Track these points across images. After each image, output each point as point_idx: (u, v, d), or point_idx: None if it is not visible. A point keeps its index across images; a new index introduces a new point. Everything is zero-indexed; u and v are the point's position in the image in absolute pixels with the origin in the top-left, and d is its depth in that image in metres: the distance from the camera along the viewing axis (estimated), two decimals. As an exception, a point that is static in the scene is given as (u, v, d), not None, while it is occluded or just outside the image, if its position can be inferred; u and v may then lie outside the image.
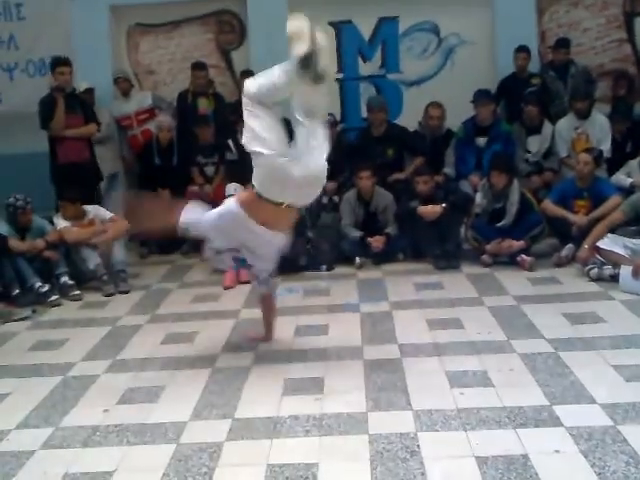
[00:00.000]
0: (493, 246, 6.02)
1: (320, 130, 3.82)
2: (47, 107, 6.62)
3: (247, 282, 5.67)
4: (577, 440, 3.08)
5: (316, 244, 6.35)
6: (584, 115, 6.93)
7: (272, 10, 7.88)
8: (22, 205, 5.93)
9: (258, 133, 3.71)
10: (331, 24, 8.14)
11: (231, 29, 8.36)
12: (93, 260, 6.05)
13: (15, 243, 5.84)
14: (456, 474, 2.92)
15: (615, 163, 6.80)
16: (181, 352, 4.51)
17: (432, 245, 6.19)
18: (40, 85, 7.65)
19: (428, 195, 6.26)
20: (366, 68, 8.27)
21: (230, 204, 4.02)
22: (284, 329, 4.68)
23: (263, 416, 3.51)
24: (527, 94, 7.27)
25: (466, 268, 6.03)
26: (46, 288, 5.76)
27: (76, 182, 6.44)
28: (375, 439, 3.21)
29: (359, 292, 5.56)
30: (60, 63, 6.66)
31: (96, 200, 6.84)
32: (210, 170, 7.41)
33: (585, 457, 2.94)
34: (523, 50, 7.46)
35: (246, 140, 3.77)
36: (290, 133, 3.85)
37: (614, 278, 5.24)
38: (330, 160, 3.88)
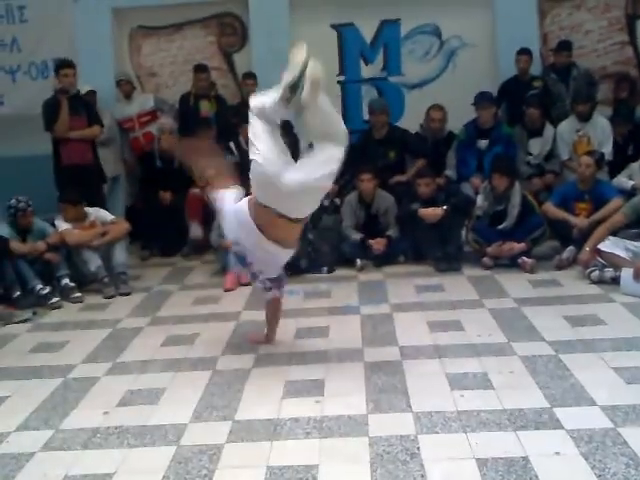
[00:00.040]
0: (494, 248, 6.02)
1: (329, 151, 3.82)
2: (51, 109, 6.64)
3: (248, 284, 5.69)
4: (577, 442, 3.07)
5: (317, 246, 6.34)
6: (586, 118, 6.93)
7: (274, 13, 7.93)
8: (23, 207, 5.94)
9: (253, 143, 3.88)
10: (333, 27, 8.17)
11: (233, 32, 8.37)
12: (94, 262, 6.05)
13: (16, 245, 5.85)
14: (456, 476, 2.92)
15: (616, 166, 6.80)
16: (182, 354, 4.51)
17: (433, 247, 6.19)
18: (42, 87, 7.68)
19: (429, 197, 6.26)
20: (368, 71, 8.28)
21: (243, 204, 4.10)
22: (285, 331, 4.68)
23: (263, 418, 3.51)
24: (529, 97, 7.27)
25: (467, 270, 6.02)
26: (47, 290, 5.77)
27: (80, 184, 6.45)
28: (375, 441, 3.21)
29: (360, 294, 5.56)
30: (64, 65, 6.68)
31: (100, 202, 6.85)
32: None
33: (585, 459, 2.94)
34: (525, 53, 7.45)
35: (249, 149, 3.95)
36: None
37: (615, 281, 5.23)
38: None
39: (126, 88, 7.88)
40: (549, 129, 7.11)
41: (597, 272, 5.37)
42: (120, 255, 6.19)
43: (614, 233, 5.53)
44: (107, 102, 7.77)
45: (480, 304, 5.13)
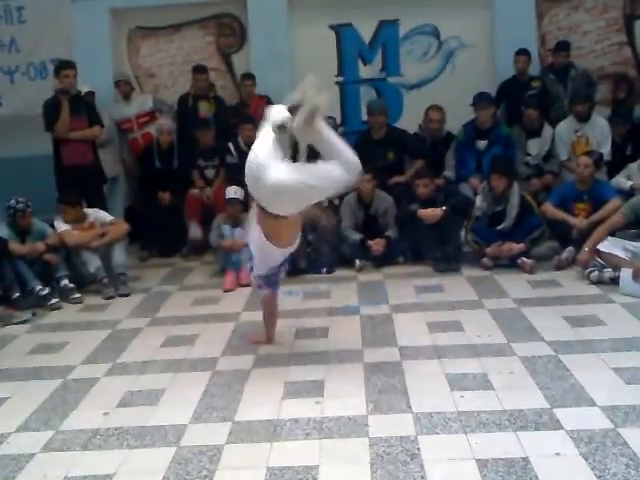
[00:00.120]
0: (493, 249, 6.02)
1: (331, 169, 3.83)
2: (52, 109, 6.63)
3: (247, 285, 5.68)
4: (577, 443, 3.07)
5: (316, 247, 6.35)
6: (584, 118, 6.94)
7: (272, 13, 7.93)
8: (22, 208, 5.93)
9: (254, 147, 3.99)
10: (331, 27, 8.17)
11: (231, 32, 8.36)
12: (93, 263, 6.05)
13: (15, 246, 5.85)
14: (456, 477, 2.92)
15: (615, 166, 6.81)
16: (181, 355, 4.51)
17: (432, 248, 6.19)
18: (41, 88, 7.68)
19: (428, 198, 6.27)
20: (366, 71, 8.28)
21: (253, 229, 4.22)
22: (284, 332, 4.68)
23: (263, 419, 3.51)
24: (527, 97, 7.28)
25: (466, 271, 6.03)
26: (46, 291, 5.77)
27: (80, 185, 6.45)
28: (375, 442, 3.21)
29: (359, 295, 5.56)
30: (65, 66, 6.68)
31: (101, 203, 6.85)
32: (210, 173, 7.42)
33: (585, 460, 2.94)
34: (523, 53, 7.47)
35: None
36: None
37: (614, 281, 5.24)
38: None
39: (125, 89, 7.88)
40: (548, 129, 7.12)
41: (596, 272, 5.38)
42: (119, 256, 6.19)
43: (613, 233, 5.54)
44: (105, 103, 7.75)
45: (479, 304, 5.13)
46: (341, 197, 6.70)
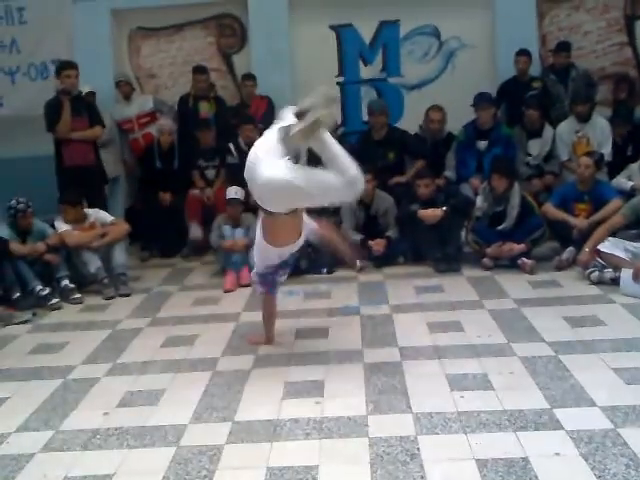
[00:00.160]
0: (494, 249, 6.02)
1: (331, 178, 3.80)
2: (53, 110, 6.64)
3: (247, 285, 5.69)
4: (577, 443, 3.07)
5: (317, 247, 6.33)
6: (585, 118, 6.94)
7: (273, 14, 7.93)
8: (23, 208, 5.94)
9: (255, 144, 4.04)
10: (332, 27, 8.17)
11: (232, 33, 8.37)
12: (94, 263, 6.05)
13: (16, 246, 5.85)
14: (456, 477, 2.92)
15: (616, 166, 6.81)
16: (181, 355, 4.51)
17: (433, 248, 6.19)
18: (42, 89, 7.69)
19: (429, 198, 6.27)
20: (367, 71, 8.27)
21: (257, 225, 4.30)
22: (284, 332, 4.69)
23: (263, 419, 3.51)
24: (528, 97, 7.27)
25: (467, 271, 6.03)
26: (47, 291, 5.77)
27: (82, 185, 6.46)
28: (375, 442, 3.21)
29: (359, 295, 5.56)
30: (66, 66, 6.69)
31: (102, 203, 6.85)
32: (211, 173, 7.42)
33: (585, 460, 2.94)
34: (524, 53, 7.46)
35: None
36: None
37: (615, 281, 5.23)
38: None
39: (125, 89, 7.88)
40: (548, 130, 7.11)
41: (597, 273, 5.38)
42: (120, 256, 6.19)
43: (613, 234, 5.53)
44: (106, 103, 7.75)
45: (480, 305, 5.13)
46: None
